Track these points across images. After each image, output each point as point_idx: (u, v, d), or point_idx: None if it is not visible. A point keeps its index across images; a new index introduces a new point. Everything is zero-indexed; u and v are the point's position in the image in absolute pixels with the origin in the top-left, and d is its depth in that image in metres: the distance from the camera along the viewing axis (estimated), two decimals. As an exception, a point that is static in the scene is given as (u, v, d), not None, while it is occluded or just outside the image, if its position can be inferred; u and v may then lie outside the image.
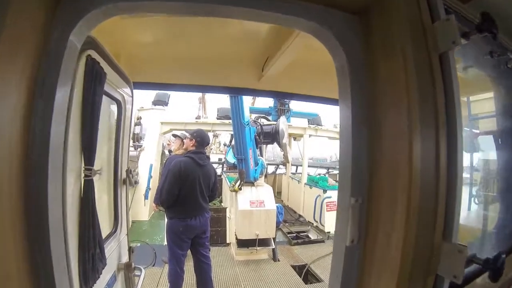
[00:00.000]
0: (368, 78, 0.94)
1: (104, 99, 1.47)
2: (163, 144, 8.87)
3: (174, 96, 9.44)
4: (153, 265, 4.70)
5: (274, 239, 5.27)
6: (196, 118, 10.25)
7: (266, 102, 10.71)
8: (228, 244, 5.76)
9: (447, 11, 0.99)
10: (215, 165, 8.52)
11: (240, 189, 5.35)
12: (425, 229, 0.84)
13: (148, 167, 7.48)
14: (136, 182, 2.15)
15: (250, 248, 5.07)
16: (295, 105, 9.79)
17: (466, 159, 1.07)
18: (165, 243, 3.70)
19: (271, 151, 13.17)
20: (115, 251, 1.76)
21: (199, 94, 16.83)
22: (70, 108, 0.96)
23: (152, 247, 5.18)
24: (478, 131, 1.61)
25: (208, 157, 3.67)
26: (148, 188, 7.23)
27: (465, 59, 1.29)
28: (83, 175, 1.22)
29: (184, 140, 3.89)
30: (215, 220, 5.53)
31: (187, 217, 3.32)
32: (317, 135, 9.50)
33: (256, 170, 5.62)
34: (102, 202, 1.69)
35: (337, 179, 10.03)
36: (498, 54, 1.40)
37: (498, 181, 1.66)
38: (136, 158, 7.62)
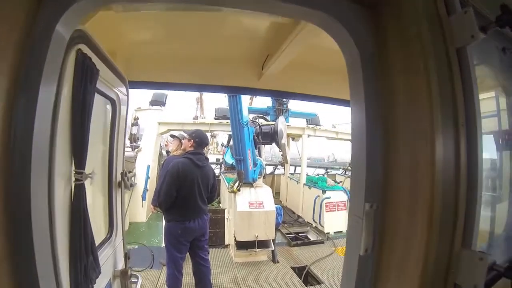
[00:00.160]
0: (381, 73, 0.87)
1: (97, 97, 1.39)
2: (160, 144, 8.78)
3: (172, 96, 9.35)
4: (151, 268, 4.61)
5: (273, 240, 5.20)
6: (194, 119, 10.15)
7: (264, 102, 10.65)
8: (227, 246, 5.68)
9: (462, 3, 0.93)
10: (213, 166, 8.46)
11: (239, 190, 5.29)
12: (444, 236, 0.78)
13: (145, 168, 7.39)
14: (132, 185, 2.06)
15: (249, 250, 5.00)
16: (293, 105, 9.74)
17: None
18: (163, 245, 3.63)
19: (269, 151, 13.12)
20: (110, 258, 1.68)
21: (197, 94, 16.76)
22: (58, 106, 0.88)
23: (150, 249, 5.10)
24: (493, 130, 1.56)
25: (207, 158, 3.60)
26: (145, 189, 7.14)
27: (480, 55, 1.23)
28: (73, 179, 1.14)
29: (182, 140, 3.81)
30: (213, 222, 5.46)
31: (185, 219, 3.25)
32: (316, 135, 9.45)
33: (255, 171, 5.56)
34: (96, 207, 1.61)
35: (336, 179, 10.08)
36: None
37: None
38: (134, 159, 7.52)
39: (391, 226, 0.84)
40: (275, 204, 5.53)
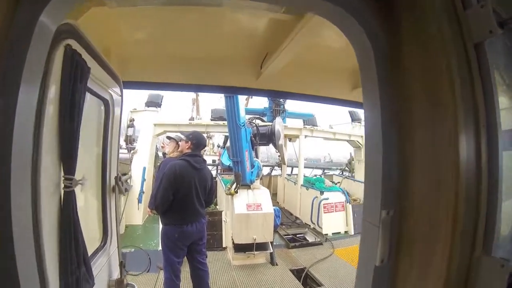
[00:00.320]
0: (397, 71, 0.81)
1: (90, 98, 1.31)
2: (156, 146, 8.70)
3: (167, 98, 9.23)
4: (148, 271, 4.52)
5: (271, 243, 5.14)
6: (190, 120, 10.06)
7: (261, 103, 10.62)
8: (225, 249, 5.61)
9: (478, -3, 0.88)
10: (209, 167, 8.39)
11: (236, 192, 5.22)
12: (466, 243, 0.72)
13: (141, 170, 7.31)
14: (127, 190, 1.98)
15: (247, 252, 4.93)
16: (290, 106, 9.71)
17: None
18: (160, 248, 3.55)
19: (265, 152, 13.11)
20: (105, 267, 1.60)
21: (193, 95, 16.69)
22: (43, 107, 0.80)
23: (147, 253, 5.01)
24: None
25: (205, 160, 3.54)
26: (141, 192, 7.07)
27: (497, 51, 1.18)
28: (62, 185, 1.06)
29: (179, 142, 3.74)
30: (210, 224, 5.39)
31: (183, 223, 3.18)
32: (313, 136, 9.43)
33: (252, 172, 5.50)
34: (89, 214, 1.53)
35: (333, 180, 10.07)
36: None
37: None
38: (129, 161, 7.43)
39: (409, 234, 0.78)
40: (273, 205, 5.47)
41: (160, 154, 8.55)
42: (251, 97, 14.23)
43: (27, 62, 0.63)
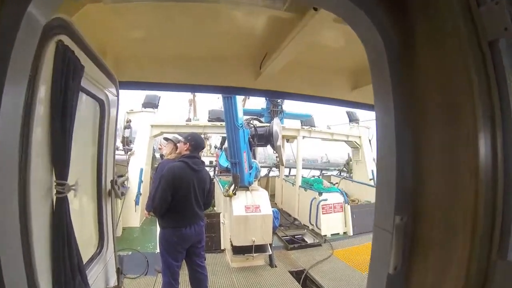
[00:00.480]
0: (409, 70, 0.77)
1: (84, 98, 1.25)
2: (153, 147, 8.63)
3: (164, 99, 9.18)
4: (145, 274, 4.45)
5: (270, 244, 5.09)
6: (187, 121, 10.00)
7: (258, 104, 10.59)
8: (223, 251, 5.56)
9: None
10: (206, 169, 8.34)
11: (235, 194, 5.17)
12: (484, 248, 0.69)
13: (138, 171, 7.25)
14: (123, 194, 1.92)
15: (246, 255, 4.88)
16: (288, 106, 9.69)
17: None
18: (158, 250, 3.49)
19: (262, 153, 13.09)
20: (101, 274, 1.54)
21: (190, 97, 16.64)
22: (33, 107, 0.74)
23: (144, 255, 4.94)
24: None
25: (203, 162, 3.48)
26: (139, 193, 7.00)
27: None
28: (54, 191, 1.00)
29: (178, 144, 3.70)
30: (208, 226, 5.31)
31: (181, 226, 3.12)
32: (311, 137, 9.41)
33: (250, 174, 5.45)
34: (83, 220, 1.46)
35: (331, 181, 10.06)
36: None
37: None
38: (126, 163, 7.36)
39: (423, 239, 0.73)
40: (271, 207, 5.43)
41: (158, 155, 8.49)
42: (248, 98, 14.22)
43: (13, 58, 0.57)
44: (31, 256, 0.75)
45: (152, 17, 1.73)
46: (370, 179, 9.42)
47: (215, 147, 14.99)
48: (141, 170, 7.29)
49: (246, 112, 8.65)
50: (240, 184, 5.21)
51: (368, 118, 10.44)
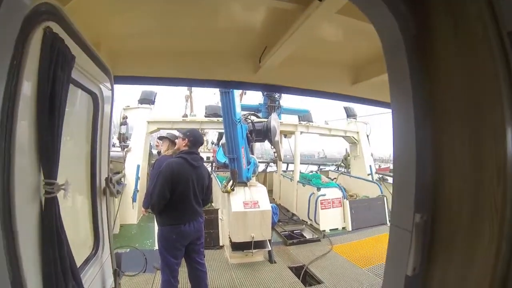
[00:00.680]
0: (429, 61, 0.71)
1: (76, 91, 1.17)
2: (150, 143, 8.55)
3: (160, 95, 9.08)
4: (144, 272, 4.40)
5: (269, 240, 5.06)
6: (183, 117, 9.91)
7: (256, 99, 10.51)
8: (222, 247, 5.52)
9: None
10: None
11: (233, 189, 5.12)
12: (510, 247, 0.64)
13: (135, 168, 7.19)
14: (119, 192, 1.84)
15: (245, 251, 4.85)
16: (285, 102, 9.61)
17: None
18: (156, 247, 3.44)
19: (260, 148, 13.06)
20: (97, 277, 1.47)
21: (186, 92, 16.48)
22: (16, 100, 0.66)
23: (142, 252, 4.88)
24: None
25: (202, 158, 3.42)
26: (136, 190, 6.94)
27: None
28: (43, 191, 0.93)
29: (176, 140, 3.63)
30: (207, 222, 5.25)
31: (180, 223, 3.07)
32: (309, 132, 9.37)
33: (248, 169, 5.40)
34: (77, 220, 1.39)
35: (329, 176, 10.07)
36: None
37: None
38: (123, 159, 7.28)
39: (444, 239, 0.68)
40: (270, 202, 5.39)
41: (155, 152, 8.42)
42: (245, 93, 14.11)
43: None
44: (18, 262, 0.68)
45: (148, 9, 1.65)
46: (368, 174, 9.44)
47: (212, 143, 14.91)
48: (138, 166, 7.23)
49: (243, 108, 8.56)
50: (238, 179, 5.16)
51: (365, 114, 10.44)
